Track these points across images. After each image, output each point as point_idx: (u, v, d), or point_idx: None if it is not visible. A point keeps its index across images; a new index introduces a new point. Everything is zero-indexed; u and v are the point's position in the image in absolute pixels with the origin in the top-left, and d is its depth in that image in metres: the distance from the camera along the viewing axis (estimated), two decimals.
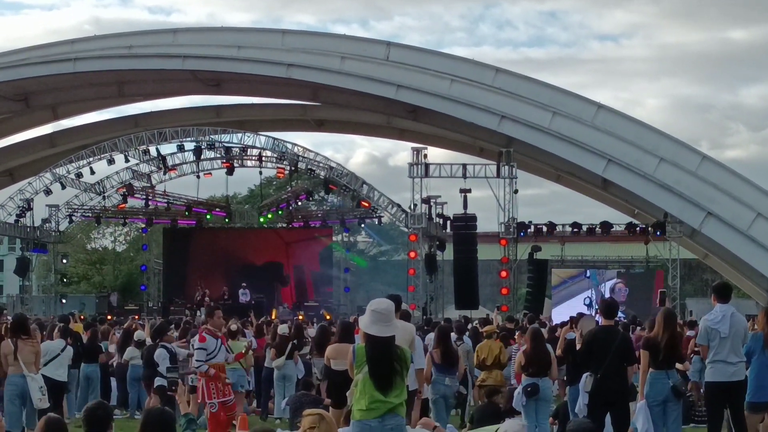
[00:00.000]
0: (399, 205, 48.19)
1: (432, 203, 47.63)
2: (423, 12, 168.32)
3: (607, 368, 14.00)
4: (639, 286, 48.52)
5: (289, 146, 49.44)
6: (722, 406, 14.30)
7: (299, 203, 57.41)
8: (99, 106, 58.86)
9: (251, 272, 54.00)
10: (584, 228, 46.28)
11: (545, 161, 48.59)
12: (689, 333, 23.05)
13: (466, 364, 20.20)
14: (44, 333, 21.87)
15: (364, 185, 48.67)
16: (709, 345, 13.97)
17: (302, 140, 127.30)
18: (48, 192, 50.28)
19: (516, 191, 45.08)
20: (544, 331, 21.69)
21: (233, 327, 21.90)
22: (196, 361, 16.22)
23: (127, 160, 50.49)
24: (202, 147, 49.83)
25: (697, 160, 45.00)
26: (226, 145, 49.97)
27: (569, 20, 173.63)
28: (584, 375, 14.80)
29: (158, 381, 18.59)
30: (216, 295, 51.18)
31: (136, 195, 53.68)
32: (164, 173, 53.15)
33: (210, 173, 54.09)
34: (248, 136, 49.64)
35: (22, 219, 51.20)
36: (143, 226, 59.82)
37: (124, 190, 52.79)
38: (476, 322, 29.83)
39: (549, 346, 17.51)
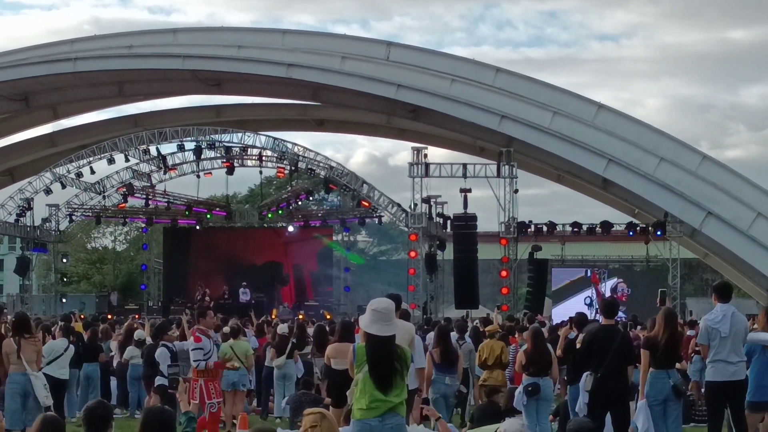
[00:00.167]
0: (399, 205, 48.21)
1: (432, 203, 47.63)
2: (423, 12, 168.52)
3: (608, 367, 14.01)
4: (640, 286, 48.54)
5: (290, 146, 49.45)
6: (722, 405, 14.30)
7: (299, 203, 57.40)
8: (99, 105, 58.89)
9: (251, 272, 54.04)
10: (584, 228, 46.28)
11: (545, 161, 48.59)
12: (689, 332, 23.05)
13: (467, 363, 20.20)
14: (48, 334, 21.83)
15: (365, 185, 48.68)
16: (710, 344, 13.96)
17: (302, 140, 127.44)
18: (48, 191, 50.29)
19: (516, 191, 45.12)
20: (544, 330, 21.67)
21: (226, 329, 21.92)
22: (194, 361, 16.25)
23: (127, 160, 50.50)
24: (203, 146, 49.83)
25: (697, 159, 45.00)
26: (226, 144, 49.97)
27: (569, 20, 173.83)
28: (584, 374, 14.80)
29: (158, 380, 18.60)
30: (216, 294, 51.22)
31: (136, 194, 53.67)
32: (164, 173, 53.14)
33: (210, 173, 54.10)
34: (248, 136, 49.64)
35: (22, 218, 51.22)
36: (143, 225, 59.83)
37: (125, 189, 52.78)
38: (477, 321, 29.80)
39: (549, 346, 17.52)
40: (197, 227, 58.49)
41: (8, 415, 15.39)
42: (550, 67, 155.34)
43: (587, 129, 44.66)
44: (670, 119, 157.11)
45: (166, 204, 56.51)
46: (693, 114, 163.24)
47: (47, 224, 53.80)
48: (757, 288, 46.96)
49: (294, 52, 47.48)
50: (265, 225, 58.79)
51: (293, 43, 48.53)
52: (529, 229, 45.66)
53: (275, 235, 57.28)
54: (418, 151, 46.34)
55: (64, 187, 50.44)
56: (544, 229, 46.11)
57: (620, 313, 37.65)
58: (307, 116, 56.67)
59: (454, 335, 20.01)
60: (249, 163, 51.83)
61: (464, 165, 45.57)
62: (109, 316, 39.53)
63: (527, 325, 23.60)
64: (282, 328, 23.81)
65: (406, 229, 48.23)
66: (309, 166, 49.49)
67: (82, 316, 36.89)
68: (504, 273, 44.95)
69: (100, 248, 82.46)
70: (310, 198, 58.88)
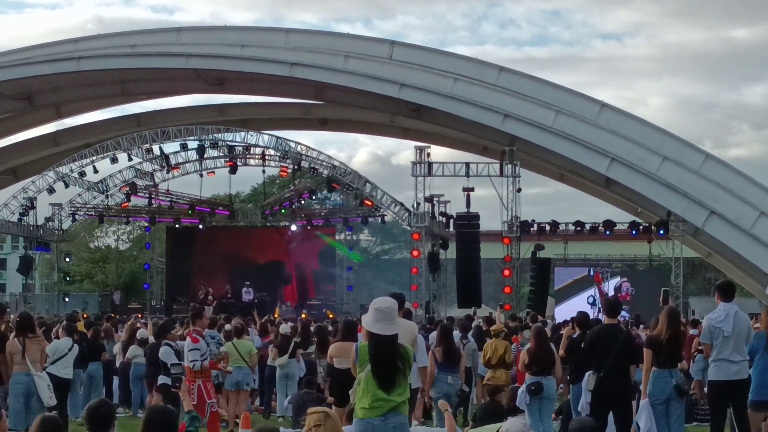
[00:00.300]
0: (402, 204, 48.23)
1: (435, 202, 47.65)
2: (426, 11, 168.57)
3: (610, 367, 14.00)
4: (643, 285, 48.54)
5: (293, 145, 49.43)
6: (725, 404, 14.29)
7: (302, 202, 57.40)
8: (102, 104, 58.95)
9: (254, 271, 54.04)
10: (587, 227, 46.29)
11: (548, 160, 48.59)
12: (692, 332, 23.04)
13: (470, 362, 20.20)
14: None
15: (367, 184, 48.67)
16: (713, 344, 13.96)
17: (305, 139, 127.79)
18: (51, 190, 50.33)
19: (519, 190, 45.06)
20: (547, 329, 21.66)
21: (228, 327, 21.93)
22: (191, 361, 16.28)
23: (130, 159, 50.55)
24: (206, 146, 49.83)
25: (700, 159, 44.99)
26: (229, 143, 49.96)
27: (572, 19, 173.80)
28: (587, 373, 14.79)
29: (161, 379, 18.60)
30: (219, 293, 51.23)
31: (139, 193, 53.67)
32: (167, 172, 53.11)
33: (213, 172, 54.07)
34: (251, 135, 49.63)
35: (25, 217, 51.25)
36: (146, 224, 59.87)
37: (127, 188, 52.77)
38: (480, 320, 29.78)
39: (552, 345, 17.50)
40: (200, 226, 58.48)
41: (11, 415, 15.39)
42: (553, 66, 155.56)
43: (590, 128, 44.65)
44: (673, 118, 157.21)
45: (169, 203, 56.48)
46: (696, 113, 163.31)
47: (50, 223, 53.82)
48: (760, 287, 46.91)
49: (297, 51, 47.49)
50: (268, 224, 58.79)
51: (296, 42, 48.54)
52: (531, 228, 45.64)
53: (278, 235, 57.27)
54: (421, 150, 46.32)
55: (67, 186, 50.48)
56: (547, 228, 46.11)
57: (624, 313, 37.71)
58: (310, 115, 56.68)
59: (457, 334, 20.02)
60: (252, 162, 51.80)
61: (467, 164, 45.54)
62: (114, 315, 39.49)
63: (530, 324, 23.60)
64: (284, 328, 23.83)
65: (408, 228, 48.22)
66: (312, 165, 49.49)
67: (85, 315, 36.91)
68: (507, 272, 44.92)
69: (103, 247, 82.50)
70: (313, 197, 58.98)
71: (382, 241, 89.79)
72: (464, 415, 20.17)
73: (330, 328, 27.29)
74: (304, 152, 49.27)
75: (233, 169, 51.37)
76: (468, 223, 44.84)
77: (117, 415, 15.00)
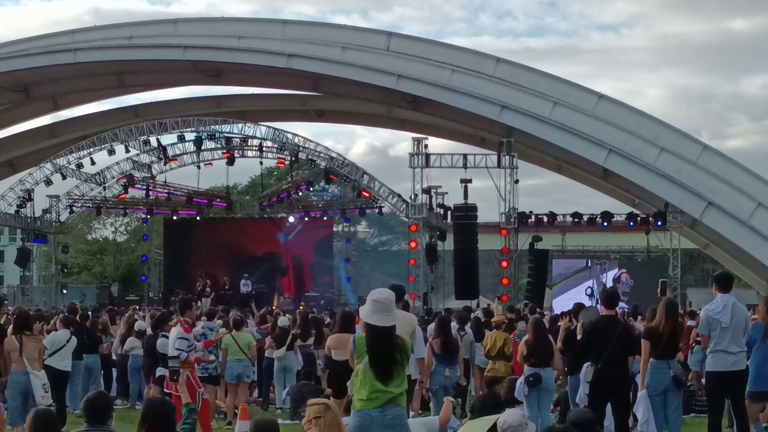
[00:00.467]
0: (399, 196, 48.18)
1: (432, 193, 47.60)
2: (423, 2, 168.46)
3: (608, 358, 14.00)
4: (641, 276, 48.56)
5: (290, 136, 49.41)
6: (723, 395, 14.32)
7: (300, 193, 57.36)
8: (99, 96, 58.84)
9: (252, 262, 54.06)
10: (585, 218, 46.23)
11: (546, 151, 48.56)
12: (690, 323, 23.06)
13: (467, 354, 20.21)
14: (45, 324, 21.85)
15: (365, 175, 48.65)
16: (710, 335, 13.98)
17: (303, 130, 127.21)
18: (48, 182, 50.30)
19: (517, 181, 45.02)
20: (545, 321, 21.66)
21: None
22: (177, 349, 16.30)
23: (127, 151, 50.50)
24: (203, 137, 49.86)
25: (698, 150, 44.97)
26: (226, 135, 49.94)
27: (569, 10, 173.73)
28: (585, 365, 14.80)
29: (159, 371, 18.61)
30: (217, 285, 51.27)
31: (136, 185, 53.65)
32: (165, 163, 53.12)
33: (210, 163, 54.08)
34: (249, 127, 49.61)
35: (22, 209, 51.22)
36: (144, 216, 59.83)
37: (125, 180, 52.77)
38: (478, 312, 29.80)
39: (550, 337, 17.51)
40: (198, 218, 58.46)
41: (9, 414, 15.41)
42: (550, 57, 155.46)
43: (587, 119, 44.63)
44: (670, 109, 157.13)
45: (166, 195, 56.48)
46: (693, 104, 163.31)
47: (48, 215, 53.78)
48: (758, 278, 46.95)
49: (294, 43, 47.43)
50: (266, 216, 58.78)
51: (293, 34, 48.48)
52: (529, 220, 45.61)
53: (275, 226, 57.24)
54: (418, 141, 46.27)
55: (64, 177, 50.45)
56: (545, 219, 46.07)
57: (623, 304, 37.75)
58: (307, 107, 56.66)
59: (454, 326, 20.03)
60: (249, 153, 51.78)
61: (464, 155, 45.49)
62: (113, 308, 39.43)
63: (528, 315, 23.62)
64: (283, 320, 23.84)
65: (406, 219, 48.18)
66: (309, 157, 49.46)
67: (82, 307, 36.90)
68: (504, 263, 44.91)
69: (101, 239, 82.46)
70: (311, 189, 58.86)
71: (380, 232, 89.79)
72: (462, 406, 20.19)
73: (328, 320, 27.39)
74: (301, 144, 49.25)
75: (231, 161, 51.37)
76: (465, 214, 44.78)
77: (115, 406, 15.03)
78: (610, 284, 47.02)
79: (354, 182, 49.17)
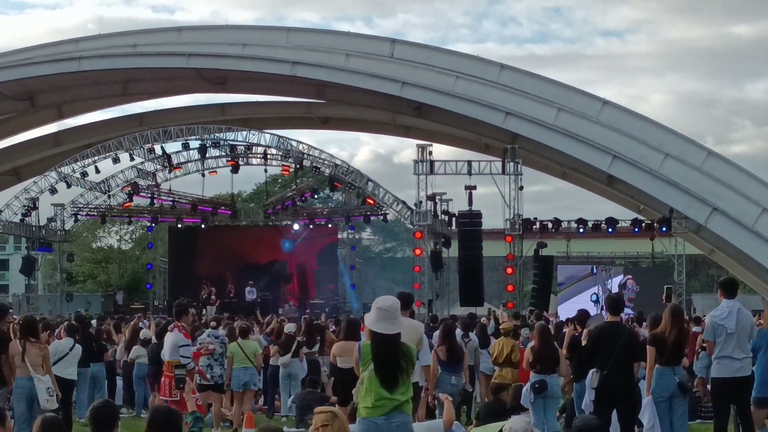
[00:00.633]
0: (404, 202, 48.19)
1: (437, 200, 47.60)
2: (427, 9, 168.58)
3: (613, 364, 13.98)
4: (646, 282, 48.55)
5: (294, 144, 49.42)
6: (728, 401, 14.30)
7: (304, 201, 57.39)
8: (104, 104, 58.95)
9: (256, 270, 54.05)
10: (590, 224, 46.22)
11: (550, 157, 48.56)
12: (695, 329, 23.05)
13: (472, 361, 20.19)
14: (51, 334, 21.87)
15: (369, 182, 48.65)
16: (716, 341, 13.96)
17: (307, 138, 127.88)
18: (53, 191, 50.35)
19: (521, 188, 44.97)
20: (550, 327, 21.63)
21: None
22: (184, 357, 16.31)
23: (132, 159, 50.53)
24: (207, 145, 49.87)
25: (702, 155, 44.95)
26: (231, 143, 49.98)
27: (573, 16, 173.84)
28: (590, 371, 14.78)
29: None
30: (222, 293, 51.24)
31: (141, 193, 53.69)
32: (169, 171, 53.15)
33: (215, 171, 54.11)
34: (253, 134, 49.64)
35: (27, 218, 51.24)
36: (149, 224, 59.86)
37: (130, 188, 52.79)
38: (483, 318, 29.80)
39: (555, 343, 17.49)
40: (202, 226, 58.48)
41: (16, 421, 15.42)
42: (554, 63, 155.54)
43: (592, 125, 44.62)
44: (674, 115, 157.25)
45: (171, 203, 56.50)
46: (698, 109, 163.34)
47: (52, 224, 53.82)
48: (763, 284, 46.92)
49: (298, 50, 47.49)
50: (270, 223, 58.78)
51: (298, 41, 48.54)
52: (534, 226, 45.60)
53: (280, 234, 57.23)
54: (422, 148, 46.22)
55: (69, 186, 50.52)
56: (550, 225, 46.05)
57: (628, 310, 37.74)
58: (311, 114, 56.68)
59: (459, 333, 20.01)
60: (254, 161, 51.80)
61: (469, 162, 45.48)
62: (117, 316, 39.46)
63: (533, 322, 23.58)
64: (289, 327, 23.84)
65: (411, 226, 48.17)
66: (314, 164, 49.49)
67: (87, 316, 36.89)
68: (509, 270, 44.89)
69: (106, 247, 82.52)
70: (315, 196, 58.91)
71: (384, 239, 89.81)
72: (467, 413, 20.17)
73: (333, 327, 27.38)
74: (305, 151, 49.25)
75: (235, 169, 51.39)
76: (470, 221, 44.78)
77: (120, 415, 15.03)
78: (615, 290, 47.04)
79: (358, 189, 49.18)
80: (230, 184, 59.36)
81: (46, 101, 54.03)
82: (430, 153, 46.02)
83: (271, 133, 50.00)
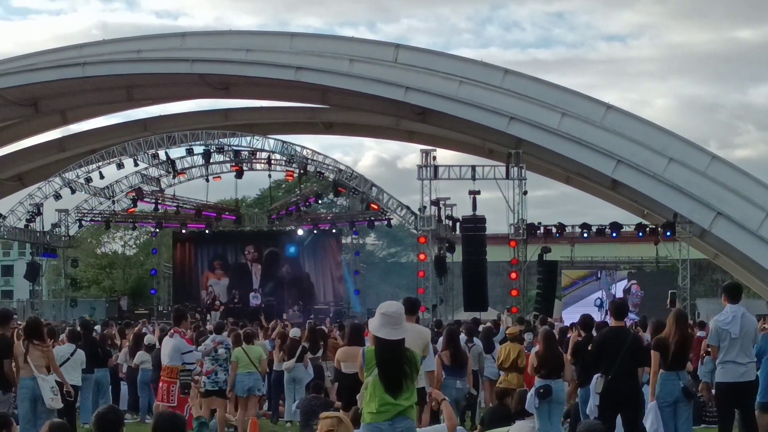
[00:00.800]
0: (408, 208, 48.15)
1: (441, 205, 47.58)
2: (430, 14, 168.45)
3: (618, 369, 13.99)
4: (650, 287, 48.49)
5: (298, 149, 49.43)
6: (733, 406, 14.29)
7: (308, 206, 57.41)
8: (108, 110, 58.96)
9: (261, 275, 54.08)
10: (594, 229, 46.17)
11: (554, 162, 48.54)
12: (699, 333, 23.03)
13: (475, 365, 20.18)
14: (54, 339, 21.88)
15: (373, 187, 48.63)
16: (720, 346, 13.96)
17: (311, 143, 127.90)
18: (57, 196, 50.37)
19: (525, 192, 44.97)
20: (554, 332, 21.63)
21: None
22: (191, 364, 16.33)
23: (136, 164, 50.52)
24: (211, 150, 49.88)
25: (706, 160, 44.92)
26: (235, 148, 49.98)
27: (576, 21, 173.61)
28: (595, 376, 14.78)
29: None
30: (226, 298, 51.28)
31: (145, 199, 53.69)
32: (173, 177, 53.19)
33: (219, 177, 54.10)
34: (257, 140, 49.64)
35: (31, 224, 51.28)
36: (153, 230, 59.88)
37: (134, 194, 52.81)
38: (488, 323, 29.80)
39: (560, 348, 17.48)
40: (207, 231, 58.51)
41: (20, 420, 15.45)
42: (557, 68, 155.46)
43: (596, 130, 44.61)
44: (678, 119, 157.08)
45: (175, 208, 56.55)
46: (701, 114, 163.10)
47: (57, 229, 53.87)
48: (767, 288, 46.87)
49: (302, 55, 47.51)
50: (275, 228, 58.77)
51: (301, 46, 48.57)
52: (538, 231, 45.57)
53: (284, 239, 57.21)
54: (426, 153, 46.22)
55: (73, 192, 50.54)
56: (554, 230, 46.03)
57: (633, 315, 37.70)
58: (315, 119, 56.71)
59: (463, 338, 20.01)
60: (258, 166, 51.83)
61: (473, 167, 45.46)
62: (121, 321, 39.47)
63: (539, 327, 23.57)
64: (294, 332, 23.84)
65: (415, 231, 48.16)
66: (318, 170, 49.49)
67: (91, 321, 36.92)
68: (513, 275, 44.88)
69: (110, 253, 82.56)
70: (319, 201, 58.87)
71: (389, 244, 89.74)
72: (472, 418, 20.17)
73: (337, 332, 27.39)
74: (309, 156, 49.25)
75: (239, 174, 51.45)
76: (474, 226, 44.75)
77: (125, 421, 15.05)
78: (619, 295, 46.99)
79: (362, 194, 49.18)
80: (234, 189, 59.32)
81: (50, 107, 54.07)
82: (434, 158, 46.05)
83: (275, 139, 50.04)
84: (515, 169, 44.61)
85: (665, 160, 43.83)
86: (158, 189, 54.40)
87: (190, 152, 50.64)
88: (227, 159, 51.48)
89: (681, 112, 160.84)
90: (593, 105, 46.13)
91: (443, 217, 47.98)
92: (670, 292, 44.67)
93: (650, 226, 46.26)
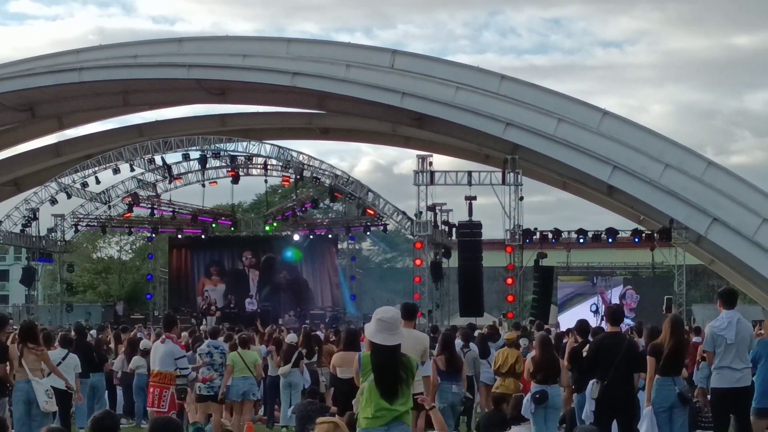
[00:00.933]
0: (404, 213, 48.20)
1: (437, 211, 47.60)
2: (427, 20, 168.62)
3: (614, 375, 14.00)
4: (646, 293, 48.50)
5: (294, 154, 49.44)
6: (728, 412, 14.29)
7: (304, 211, 57.42)
8: (104, 115, 58.95)
9: (257, 281, 54.05)
10: (590, 234, 46.21)
11: (551, 168, 48.55)
12: (695, 339, 23.05)
13: (471, 371, 20.16)
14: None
15: (370, 193, 48.67)
16: (715, 351, 13.97)
17: (307, 148, 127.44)
18: (53, 201, 50.36)
19: (521, 198, 44.95)
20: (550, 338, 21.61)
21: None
22: (185, 369, 16.32)
23: (132, 170, 50.55)
24: (207, 156, 49.90)
25: (702, 166, 44.95)
26: (231, 153, 50.02)
27: (573, 27, 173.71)
28: (591, 382, 14.78)
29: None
30: (222, 303, 51.26)
31: (141, 204, 53.74)
32: (169, 182, 53.18)
33: (215, 182, 54.13)
34: (253, 145, 49.67)
35: (27, 229, 51.27)
36: (149, 235, 59.86)
37: (130, 199, 52.84)
38: (484, 328, 29.78)
39: (556, 354, 17.47)
40: (203, 236, 58.49)
41: (15, 423, 15.44)
42: (554, 74, 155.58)
43: (592, 136, 44.63)
44: (675, 125, 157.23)
45: (171, 213, 56.54)
46: (698, 120, 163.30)
47: (53, 234, 53.87)
48: (764, 294, 46.90)
49: (299, 61, 47.52)
50: (271, 234, 58.76)
51: (298, 52, 48.56)
52: (534, 237, 45.58)
53: (280, 245, 57.22)
54: (423, 158, 46.21)
55: (69, 197, 50.54)
56: (550, 236, 46.05)
57: (629, 320, 37.69)
58: (311, 125, 56.70)
59: (458, 343, 20.00)
60: (254, 171, 51.85)
61: (469, 172, 45.48)
62: (118, 326, 39.43)
63: (535, 332, 23.56)
64: (291, 338, 23.84)
65: (411, 237, 48.17)
66: (314, 175, 49.51)
67: (87, 326, 36.88)
68: (509, 280, 44.87)
69: (106, 258, 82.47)
70: (316, 206, 58.90)
71: (385, 250, 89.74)
72: (468, 423, 20.16)
73: (333, 338, 27.38)
74: (306, 162, 49.27)
75: (235, 179, 51.43)
76: (470, 231, 44.75)
77: (121, 425, 15.03)
78: (615, 301, 46.97)
79: (359, 200, 49.21)
80: (230, 194, 59.48)
81: (47, 112, 54.04)
82: (431, 163, 46.04)
83: (272, 144, 50.05)
84: (511, 174, 44.61)
85: (661, 166, 43.86)
86: (154, 194, 54.41)
87: (186, 157, 50.66)
88: (223, 164, 51.50)
89: (678, 118, 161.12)
90: (590, 111, 46.14)
91: (439, 223, 48.00)
92: (665, 297, 44.69)
93: (646, 232, 46.32)
